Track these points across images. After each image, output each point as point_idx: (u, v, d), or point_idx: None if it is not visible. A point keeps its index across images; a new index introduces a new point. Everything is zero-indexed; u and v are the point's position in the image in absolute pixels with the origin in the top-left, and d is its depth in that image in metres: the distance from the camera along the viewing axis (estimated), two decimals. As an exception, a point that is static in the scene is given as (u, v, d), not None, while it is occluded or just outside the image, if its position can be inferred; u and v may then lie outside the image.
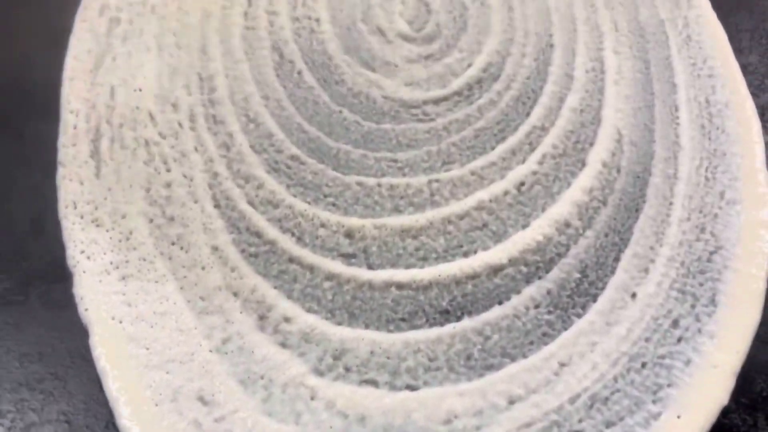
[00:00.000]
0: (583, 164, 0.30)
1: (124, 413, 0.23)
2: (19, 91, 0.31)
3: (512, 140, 0.31)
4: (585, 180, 0.29)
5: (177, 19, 0.34)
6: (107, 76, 0.32)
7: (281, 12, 0.35)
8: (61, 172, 0.29)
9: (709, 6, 0.36)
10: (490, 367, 0.25)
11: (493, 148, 0.30)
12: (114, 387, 0.24)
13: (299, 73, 0.33)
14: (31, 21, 0.34)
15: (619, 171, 0.30)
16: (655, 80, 0.33)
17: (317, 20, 0.34)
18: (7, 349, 0.25)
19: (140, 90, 0.31)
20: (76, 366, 0.24)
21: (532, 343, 0.25)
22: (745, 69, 0.33)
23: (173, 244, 0.27)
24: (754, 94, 0.32)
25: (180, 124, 0.30)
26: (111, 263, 0.26)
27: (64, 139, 0.30)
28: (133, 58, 0.32)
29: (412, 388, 0.24)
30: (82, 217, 0.28)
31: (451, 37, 0.34)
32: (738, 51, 0.34)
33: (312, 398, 0.24)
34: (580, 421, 0.24)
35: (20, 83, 0.32)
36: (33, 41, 0.33)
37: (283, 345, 0.25)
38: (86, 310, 0.25)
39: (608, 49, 0.34)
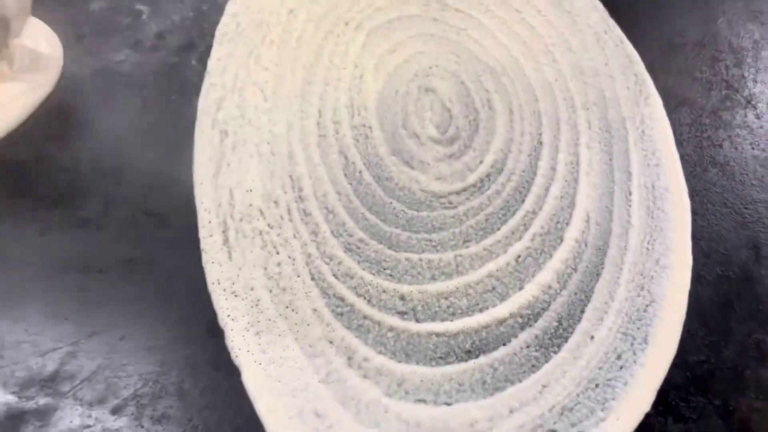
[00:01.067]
0: (561, 240, 0.43)
1: (269, 424, 0.37)
2: (171, 193, 0.45)
3: (512, 223, 0.44)
4: (562, 253, 0.43)
5: (268, 130, 0.47)
6: (225, 180, 0.45)
7: (343, 122, 0.47)
8: (204, 257, 0.42)
9: (660, 104, 0.48)
10: (498, 389, 0.39)
11: (498, 229, 0.44)
12: (262, 408, 0.38)
13: (360, 172, 0.46)
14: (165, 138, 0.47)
15: (586, 245, 0.43)
16: (616, 169, 0.46)
17: (370, 128, 0.47)
18: (192, 384, 0.39)
19: (250, 190, 0.45)
20: (238, 394, 0.38)
21: (524, 372, 0.39)
22: (682, 158, 0.46)
23: (287, 307, 0.41)
24: (688, 180, 0.45)
25: (281, 217, 0.44)
26: (248, 323, 0.40)
27: (203, 232, 0.43)
28: (242, 163, 0.46)
29: (448, 404, 0.38)
30: (224, 290, 0.41)
31: (467, 138, 0.47)
32: (678, 143, 0.47)
33: (386, 412, 0.38)
34: (554, 423, 0.37)
35: (174, 185, 0.45)
36: (171, 152, 0.46)
37: (365, 377, 0.39)
38: (236, 356, 0.39)
39: (583, 145, 0.47)
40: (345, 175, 0.45)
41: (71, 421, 0.38)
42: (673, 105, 0.48)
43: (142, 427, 0.37)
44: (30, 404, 0.38)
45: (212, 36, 0.51)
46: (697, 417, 0.38)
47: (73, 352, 0.39)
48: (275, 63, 0.49)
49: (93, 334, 0.40)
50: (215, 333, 0.40)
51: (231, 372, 0.39)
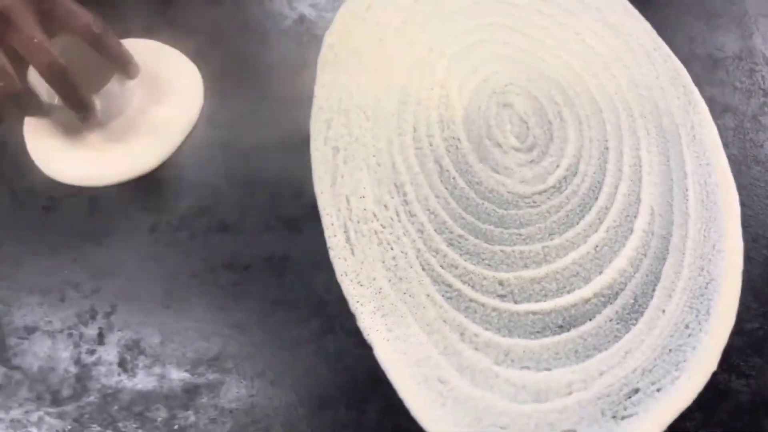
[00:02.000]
0: (631, 231, 0.51)
1: (401, 389, 0.45)
2: (297, 201, 0.53)
3: (588, 218, 0.52)
4: (633, 242, 0.50)
5: (373, 145, 0.55)
6: (341, 189, 0.53)
7: (435, 135, 0.55)
8: (331, 253, 0.50)
9: (707, 112, 0.56)
10: (588, 356, 0.46)
11: (577, 223, 0.51)
12: (394, 376, 0.46)
13: (453, 178, 0.53)
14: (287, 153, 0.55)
15: (652, 234, 0.51)
16: (673, 169, 0.53)
17: (458, 139, 0.55)
18: (332, 366, 0.47)
19: (363, 197, 0.53)
20: (371, 366, 0.46)
21: (609, 341, 0.47)
22: (729, 158, 0.54)
23: (404, 293, 0.49)
24: (735, 176, 0.53)
25: (391, 219, 0.52)
26: (375, 307, 0.48)
27: (328, 232, 0.51)
28: (353, 175, 0.53)
29: (548, 369, 0.46)
30: (351, 281, 0.49)
31: (544, 146, 0.55)
32: (725, 145, 0.54)
33: (496, 377, 0.46)
34: (637, 382, 0.45)
35: (298, 194, 0.53)
36: (291, 166, 0.54)
37: (476, 349, 0.47)
38: (368, 335, 0.47)
39: (643, 149, 0.54)
40: (441, 181, 0.53)
41: (237, 392, 0.46)
42: (718, 112, 0.56)
43: (297, 394, 0.45)
44: (201, 379, 0.46)
45: (314, 64, 0.59)
46: (756, 374, 0.46)
47: (232, 335, 0.47)
48: (372, 87, 0.57)
49: (245, 320, 0.48)
50: (347, 316, 0.48)
51: (363, 347, 0.47)
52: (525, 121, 0.56)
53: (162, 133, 0.54)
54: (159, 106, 0.55)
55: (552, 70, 0.58)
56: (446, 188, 0.53)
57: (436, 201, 0.52)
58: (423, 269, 0.49)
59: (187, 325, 0.48)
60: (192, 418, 0.45)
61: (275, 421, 0.45)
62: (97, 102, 0.52)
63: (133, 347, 0.47)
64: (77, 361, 0.47)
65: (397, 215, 0.51)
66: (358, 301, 0.48)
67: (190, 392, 0.46)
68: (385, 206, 0.52)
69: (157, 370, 0.46)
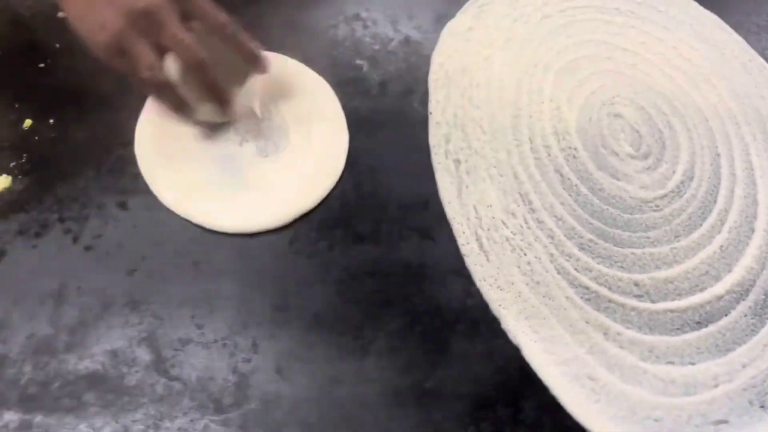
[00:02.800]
0: (753, 230, 0.53)
1: (554, 387, 0.47)
2: (426, 212, 0.55)
3: (710, 220, 0.54)
4: (756, 240, 0.52)
5: (493, 157, 0.57)
6: (468, 199, 0.55)
7: (552, 146, 0.58)
8: (467, 260, 0.52)
9: (805, 117, 0.59)
10: (729, 350, 0.48)
11: (701, 225, 0.54)
12: (545, 375, 0.47)
13: (575, 186, 0.56)
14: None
15: (774, 233, 0.53)
16: (783, 172, 0.56)
17: (575, 149, 0.57)
18: (484, 367, 0.49)
19: (490, 206, 0.55)
20: (523, 366, 0.48)
21: (746, 335, 0.49)
22: (835, 159, 0.56)
23: (544, 296, 0.51)
24: None
25: (521, 226, 0.54)
26: (517, 310, 0.50)
27: (460, 240, 0.53)
28: (477, 185, 0.56)
29: (692, 363, 0.48)
30: (490, 286, 0.51)
31: (658, 153, 0.57)
32: (827, 147, 0.57)
33: (644, 373, 0.48)
34: (778, 372, 0.47)
35: (427, 205, 0.55)
36: (416, 179, 0.56)
37: (621, 347, 0.48)
38: (514, 337, 0.49)
39: (753, 154, 0.57)
40: (563, 188, 0.55)
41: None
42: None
43: (455, 394, 0.47)
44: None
45: (425, 82, 0.61)
46: None
47: (382, 339, 0.49)
48: (485, 102, 0.59)
49: (394, 325, 0.50)
50: (491, 319, 0.50)
51: (511, 348, 0.48)
52: (636, 131, 0.58)
53: (311, 180, 0.56)
54: (307, 151, 0.57)
55: (656, 83, 0.60)
56: (570, 195, 0.55)
57: (562, 208, 0.54)
58: (558, 273, 0.51)
59: (339, 331, 0.49)
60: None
61: (440, 416, 0.46)
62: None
63: (289, 355, 0.48)
64: (234, 370, 0.48)
65: (526, 222, 0.53)
66: (500, 305, 0.50)
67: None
68: (513, 214, 0.54)
69: (311, 375, 0.48)
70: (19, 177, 0.56)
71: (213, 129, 0.57)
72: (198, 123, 0.56)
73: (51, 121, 0.59)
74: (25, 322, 0.50)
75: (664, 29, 0.64)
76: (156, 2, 0.49)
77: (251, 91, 0.56)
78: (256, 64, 0.54)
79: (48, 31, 0.64)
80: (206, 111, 0.54)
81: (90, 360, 0.48)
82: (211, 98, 0.53)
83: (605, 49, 0.63)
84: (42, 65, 0.62)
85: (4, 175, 0.56)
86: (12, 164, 0.57)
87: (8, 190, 0.56)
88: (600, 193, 0.55)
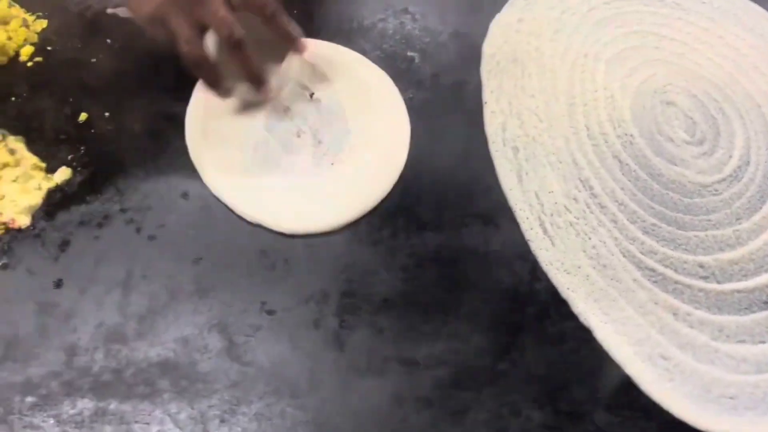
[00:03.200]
0: (811, 211, 0.54)
1: (627, 366, 0.47)
2: (488, 198, 0.55)
3: (770, 201, 0.54)
4: (817, 222, 0.53)
5: (551, 144, 0.57)
6: (528, 185, 0.55)
7: (609, 133, 0.58)
8: (532, 245, 0.53)
9: None
10: (796, 328, 0.49)
11: (760, 208, 0.54)
12: (619, 356, 0.47)
13: (634, 171, 0.56)
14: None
15: (835, 214, 0.53)
16: (839, 156, 0.56)
17: (631, 135, 0.58)
18: (557, 349, 0.49)
19: (552, 192, 0.55)
20: (595, 347, 0.48)
21: (811, 311, 0.49)
22: None
23: (612, 279, 0.51)
24: None
25: (583, 211, 0.54)
26: (586, 293, 0.50)
27: (524, 226, 0.53)
28: (537, 172, 0.56)
29: (763, 342, 0.48)
30: (557, 270, 0.51)
31: (713, 140, 0.58)
32: None
33: (716, 352, 0.48)
34: None
35: (488, 192, 0.55)
36: (475, 166, 0.57)
37: (691, 327, 0.49)
38: (585, 319, 0.49)
39: (806, 138, 0.57)
40: (623, 174, 0.56)
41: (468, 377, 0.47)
42: None
43: (530, 373, 0.47)
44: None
45: (477, 72, 0.62)
46: None
47: (460, 317, 0.49)
48: (538, 91, 0.60)
49: (462, 306, 0.50)
50: (560, 302, 0.50)
51: (581, 329, 0.49)
52: (690, 117, 0.59)
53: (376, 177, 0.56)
54: (370, 145, 0.57)
55: (706, 72, 0.61)
56: (629, 181, 0.55)
57: (623, 193, 0.54)
58: (624, 256, 0.52)
59: (408, 316, 0.49)
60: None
61: (518, 397, 0.46)
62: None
63: (360, 340, 0.48)
64: (307, 356, 0.48)
65: (588, 207, 0.54)
66: (568, 288, 0.50)
67: (423, 379, 0.47)
68: (575, 200, 0.54)
69: (383, 360, 0.48)
70: (79, 169, 0.56)
71: (251, 107, 0.58)
72: (238, 99, 0.58)
73: (107, 114, 0.59)
74: (93, 311, 0.50)
75: (709, 20, 0.65)
76: None
77: (289, 72, 0.57)
78: (292, 44, 0.56)
79: (99, 28, 0.64)
80: (243, 89, 0.56)
81: (161, 347, 0.48)
82: (247, 77, 0.54)
83: (653, 39, 0.63)
84: (94, 60, 0.63)
85: (64, 167, 0.56)
86: (70, 157, 0.57)
87: (68, 182, 0.56)
88: (659, 178, 0.55)
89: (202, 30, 0.52)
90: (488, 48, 0.63)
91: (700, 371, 0.46)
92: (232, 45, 0.52)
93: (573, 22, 0.64)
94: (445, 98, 0.60)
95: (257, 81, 0.55)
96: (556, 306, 0.50)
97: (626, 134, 0.57)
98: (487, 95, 0.60)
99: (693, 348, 0.48)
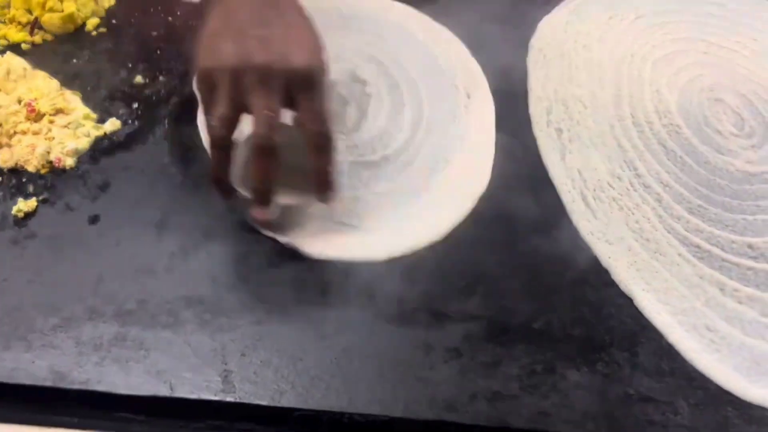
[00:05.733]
0: None
1: (668, 334, 0.45)
2: (529, 173, 0.54)
3: (820, 190, 0.52)
4: None
5: (595, 128, 0.57)
6: (571, 163, 0.54)
7: (654, 122, 0.58)
8: (573, 217, 0.51)
9: None
10: None
11: (810, 196, 0.52)
12: (660, 323, 0.45)
13: (680, 157, 0.55)
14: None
15: None
16: None
17: (678, 126, 0.57)
18: (595, 314, 0.47)
19: (596, 168, 0.54)
20: (636, 315, 0.46)
21: None
22: None
23: (655, 252, 0.49)
24: None
25: (627, 189, 0.53)
26: (628, 263, 0.48)
27: (566, 198, 0.52)
28: (581, 152, 0.55)
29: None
30: (598, 239, 0.50)
31: (762, 135, 0.57)
32: None
33: (767, 327, 0.45)
34: None
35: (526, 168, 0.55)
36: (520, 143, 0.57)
37: (740, 302, 0.46)
38: (625, 287, 0.47)
39: None
40: (668, 159, 0.55)
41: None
42: None
43: (566, 333, 0.45)
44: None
45: (524, 64, 0.63)
46: None
47: (493, 277, 0.48)
48: (585, 82, 0.60)
49: (495, 267, 0.48)
50: (600, 271, 0.48)
51: (622, 297, 0.47)
52: (738, 113, 0.58)
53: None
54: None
55: (754, 75, 0.61)
56: (675, 165, 0.54)
57: (668, 176, 0.53)
58: (668, 232, 0.50)
59: (442, 273, 0.48)
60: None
61: (552, 354, 0.44)
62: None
63: (400, 292, 0.47)
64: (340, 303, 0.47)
65: (632, 186, 0.53)
66: (609, 257, 0.49)
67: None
68: (619, 178, 0.53)
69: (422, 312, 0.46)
70: (128, 122, 0.58)
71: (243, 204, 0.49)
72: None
73: (161, 78, 0.61)
74: (126, 246, 0.49)
75: (758, 32, 0.65)
76: (280, 64, 0.43)
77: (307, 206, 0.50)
78: (321, 190, 0.47)
79: (163, 7, 0.68)
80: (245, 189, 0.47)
81: (189, 283, 0.47)
82: (253, 189, 0.46)
83: (702, 45, 0.64)
84: (155, 33, 0.65)
85: (113, 119, 0.58)
86: (121, 111, 0.58)
87: (116, 133, 0.57)
88: (706, 165, 0.54)
89: (241, 111, 0.44)
90: (536, 43, 0.64)
91: (749, 344, 0.44)
92: (262, 148, 0.43)
93: (621, 27, 0.65)
94: (496, 87, 0.61)
95: (261, 199, 0.46)
96: (597, 274, 0.48)
97: (672, 124, 0.57)
98: (534, 82, 0.60)
99: (741, 322, 0.45)
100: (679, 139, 0.56)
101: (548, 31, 0.65)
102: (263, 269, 0.48)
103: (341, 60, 0.61)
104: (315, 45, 0.45)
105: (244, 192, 0.47)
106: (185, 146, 0.56)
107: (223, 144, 0.45)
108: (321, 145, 0.45)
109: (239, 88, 0.43)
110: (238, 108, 0.44)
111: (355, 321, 0.45)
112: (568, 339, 0.45)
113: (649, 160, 0.54)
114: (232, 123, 0.44)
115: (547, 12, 0.67)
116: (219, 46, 0.44)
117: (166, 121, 0.57)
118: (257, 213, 0.47)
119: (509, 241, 0.50)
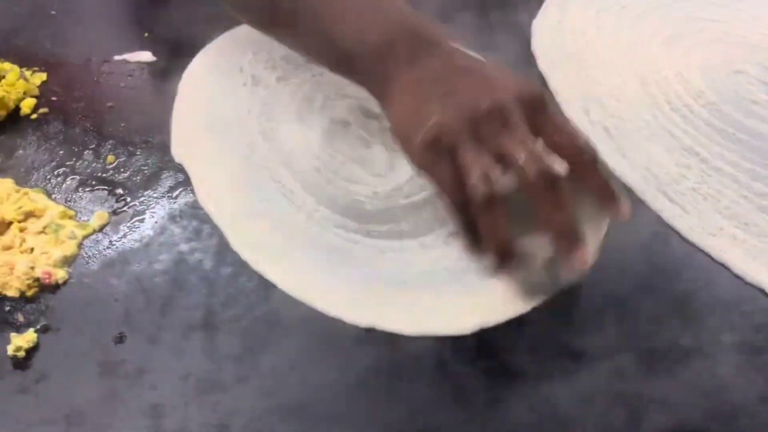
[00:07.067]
0: None
1: None
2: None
3: None
4: None
5: (639, 120, 0.53)
6: (635, 160, 0.50)
7: (691, 104, 0.54)
8: (663, 216, 0.47)
9: None
10: None
11: None
12: None
13: (733, 134, 0.51)
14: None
15: None
16: None
17: (715, 103, 0.54)
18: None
19: (661, 163, 0.50)
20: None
21: None
22: None
23: (758, 236, 0.45)
24: None
25: (701, 176, 0.49)
26: (742, 253, 0.44)
27: (647, 197, 0.48)
28: (639, 147, 0.51)
29: None
30: (699, 234, 0.46)
31: (799, 97, 0.55)
32: None
33: None
34: None
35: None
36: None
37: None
38: (753, 278, 0.43)
39: None
40: (723, 138, 0.52)
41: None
42: None
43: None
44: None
45: (536, 69, 0.59)
46: None
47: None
48: (605, 77, 0.57)
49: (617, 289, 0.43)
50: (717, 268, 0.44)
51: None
52: (763, 81, 0.57)
53: None
54: None
55: (760, 43, 0.60)
56: (732, 143, 0.52)
57: (732, 155, 0.51)
58: (763, 212, 0.47)
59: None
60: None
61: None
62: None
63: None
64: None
65: (704, 172, 0.49)
66: (721, 251, 0.45)
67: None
68: (688, 167, 0.50)
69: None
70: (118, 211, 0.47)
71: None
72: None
73: (138, 153, 0.52)
74: (171, 361, 0.40)
75: (739, 1, 0.65)
76: (505, 99, 0.38)
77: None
78: (611, 208, 0.40)
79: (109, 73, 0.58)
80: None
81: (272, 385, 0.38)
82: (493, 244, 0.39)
83: (696, 24, 0.63)
84: (110, 104, 0.56)
85: (100, 211, 0.47)
86: (105, 201, 0.48)
87: (105, 226, 0.47)
88: (761, 137, 0.52)
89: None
90: (538, 47, 0.60)
91: None
92: (544, 187, 0.37)
93: (611, 20, 0.63)
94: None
95: (501, 256, 0.39)
96: (717, 272, 0.44)
97: (709, 103, 0.55)
98: (555, 85, 0.56)
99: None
100: (723, 117, 0.53)
101: (545, 32, 0.61)
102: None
103: (346, 97, 0.54)
104: (512, 73, 0.41)
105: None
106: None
107: (494, 201, 0.37)
108: (591, 157, 0.39)
109: (481, 136, 0.37)
110: (493, 154, 0.37)
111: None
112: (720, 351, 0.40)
113: (706, 144, 0.51)
114: (496, 174, 0.37)
115: (530, 15, 0.63)
116: (427, 112, 0.38)
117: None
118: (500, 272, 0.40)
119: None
